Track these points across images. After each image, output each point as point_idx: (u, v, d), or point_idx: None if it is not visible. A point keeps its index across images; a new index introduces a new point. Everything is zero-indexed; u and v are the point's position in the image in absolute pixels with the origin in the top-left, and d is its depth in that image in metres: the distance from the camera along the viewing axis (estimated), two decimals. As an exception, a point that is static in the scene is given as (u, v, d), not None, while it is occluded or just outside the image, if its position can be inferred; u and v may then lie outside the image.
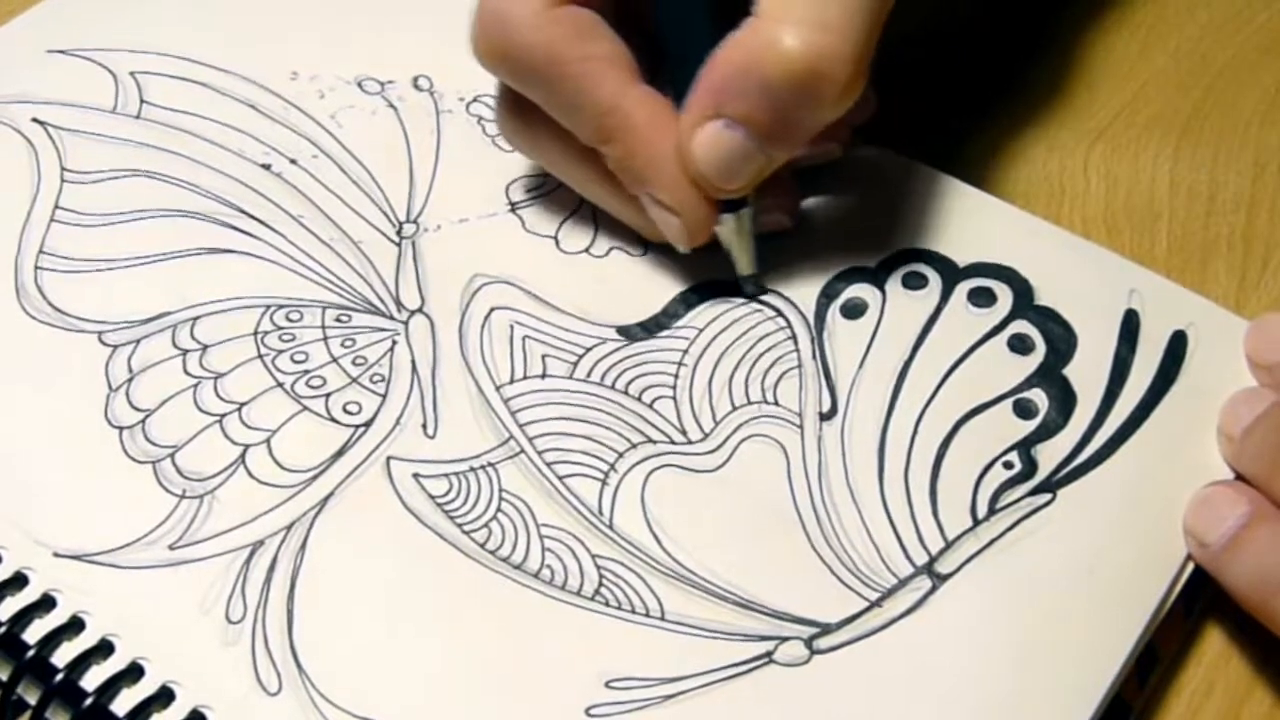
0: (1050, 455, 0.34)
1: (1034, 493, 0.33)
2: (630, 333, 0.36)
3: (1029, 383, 0.35)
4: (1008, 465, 0.34)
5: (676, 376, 0.35)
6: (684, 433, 0.34)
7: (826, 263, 0.37)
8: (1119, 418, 0.34)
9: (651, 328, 0.36)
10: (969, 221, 0.38)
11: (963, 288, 0.37)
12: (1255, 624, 0.32)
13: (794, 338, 0.36)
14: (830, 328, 0.36)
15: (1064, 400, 0.35)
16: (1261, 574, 0.31)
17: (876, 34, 0.33)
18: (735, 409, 0.35)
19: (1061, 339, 0.36)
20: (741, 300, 0.37)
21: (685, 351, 0.36)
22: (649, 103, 0.34)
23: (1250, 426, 0.33)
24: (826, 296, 0.37)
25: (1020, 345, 0.36)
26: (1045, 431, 0.34)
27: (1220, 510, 0.32)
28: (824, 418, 0.35)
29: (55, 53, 0.41)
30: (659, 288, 0.37)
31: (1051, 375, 0.35)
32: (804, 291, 0.37)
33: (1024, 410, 0.35)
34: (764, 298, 0.37)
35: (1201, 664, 0.33)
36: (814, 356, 0.36)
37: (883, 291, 0.37)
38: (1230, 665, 0.33)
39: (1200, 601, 0.33)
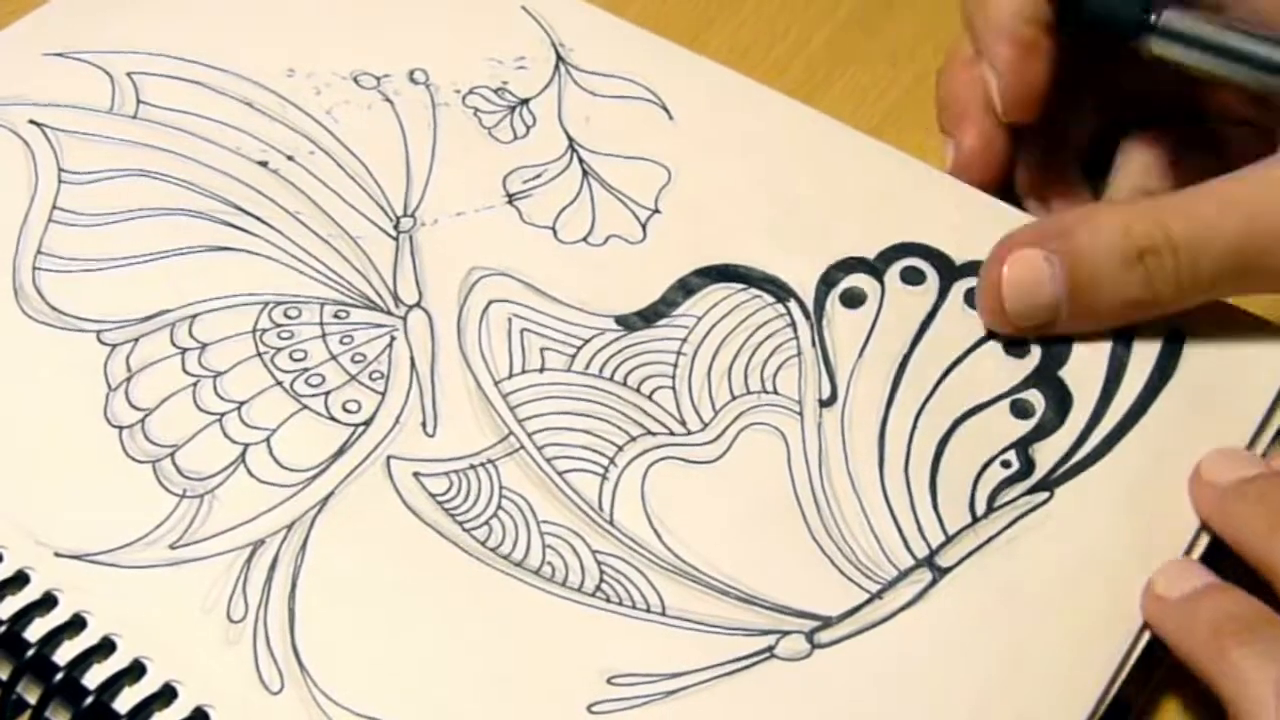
0: (1048, 454, 0.34)
1: (1031, 491, 0.33)
2: (629, 322, 0.36)
3: (1026, 383, 0.35)
4: (1005, 464, 0.34)
5: (675, 366, 0.35)
6: (683, 423, 0.34)
7: (826, 250, 0.37)
8: (1116, 414, 0.34)
9: (650, 316, 0.36)
10: (966, 219, 0.38)
11: (959, 287, 0.37)
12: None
13: (793, 325, 0.36)
14: (830, 316, 0.36)
15: (1060, 400, 0.35)
16: (1216, 625, 0.30)
17: (1214, 290, 0.35)
18: (735, 398, 0.35)
19: (1058, 340, 0.36)
20: (741, 285, 0.37)
21: (684, 340, 0.36)
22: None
23: (1240, 489, 0.32)
24: (826, 284, 0.37)
25: (1016, 348, 0.36)
26: (1042, 431, 0.34)
27: (1189, 576, 0.31)
28: (824, 404, 0.35)
29: (52, 55, 0.41)
30: (657, 274, 0.37)
31: (1048, 376, 0.35)
32: (803, 278, 0.37)
33: (1021, 410, 0.35)
34: (763, 285, 0.37)
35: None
36: (813, 344, 0.36)
37: (881, 284, 0.37)
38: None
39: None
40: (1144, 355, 0.35)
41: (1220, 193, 0.35)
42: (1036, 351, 0.36)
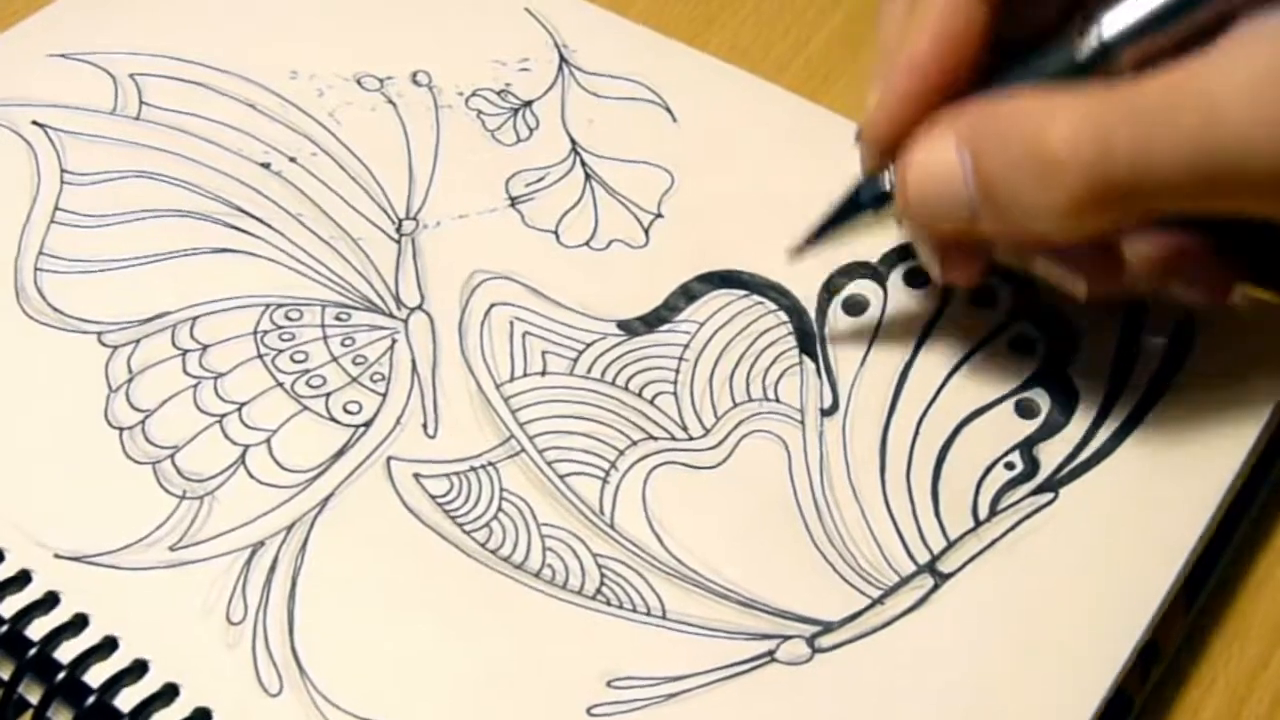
0: (1052, 454, 0.34)
1: (1036, 492, 0.33)
2: (631, 327, 0.36)
3: (1031, 382, 0.35)
4: (1009, 466, 0.33)
5: (677, 372, 0.35)
6: (685, 429, 0.34)
7: (827, 257, 0.37)
8: (1123, 412, 0.34)
9: (652, 321, 0.36)
10: None
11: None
12: (1255, 623, 0.32)
13: (795, 333, 0.36)
14: (832, 324, 0.36)
15: (1066, 398, 0.35)
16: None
17: (1165, 199, 0.29)
18: (736, 405, 0.35)
19: (1064, 337, 0.35)
20: (743, 293, 0.37)
21: (686, 346, 0.36)
22: (956, 7, 0.31)
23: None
24: (828, 291, 0.37)
25: (1022, 345, 0.35)
26: (1047, 431, 0.34)
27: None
28: (825, 413, 0.35)
29: (55, 57, 0.41)
30: (660, 280, 0.37)
31: (1054, 373, 0.35)
32: (806, 285, 0.37)
33: (1026, 410, 0.34)
34: (765, 292, 0.37)
35: (1203, 662, 0.33)
36: (815, 354, 0.36)
37: (884, 288, 0.37)
38: (1232, 663, 0.33)
39: (1202, 596, 0.33)
40: (1152, 348, 0.35)
41: (1173, 82, 0.28)
42: (1042, 348, 0.35)
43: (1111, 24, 0.30)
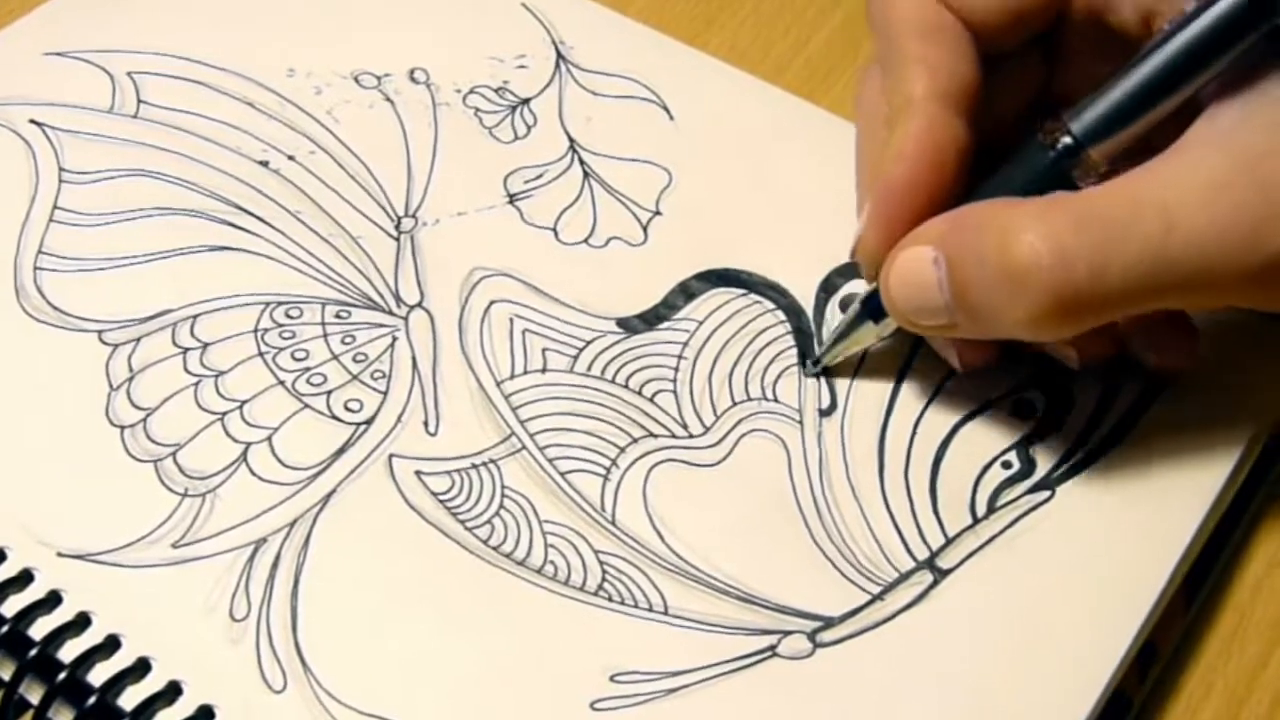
0: (1049, 453, 0.34)
1: (1032, 490, 0.33)
2: (630, 325, 0.36)
3: (1027, 382, 0.35)
4: (1006, 465, 0.34)
5: (677, 370, 0.35)
6: (685, 426, 0.34)
7: (826, 254, 0.37)
8: (1118, 412, 0.35)
9: (651, 319, 0.36)
10: None
11: None
12: (1254, 623, 0.33)
13: (792, 333, 0.36)
14: (829, 323, 0.36)
15: (1063, 398, 0.35)
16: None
17: (1127, 305, 0.30)
18: (735, 404, 0.35)
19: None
20: (742, 291, 0.37)
21: (685, 344, 0.36)
22: (930, 128, 0.32)
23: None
24: (825, 291, 0.37)
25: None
26: (1044, 430, 0.34)
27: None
28: (823, 414, 0.35)
29: (52, 55, 0.41)
30: (659, 278, 0.37)
31: (1050, 374, 0.35)
32: (803, 284, 0.37)
33: (1023, 409, 0.35)
34: (764, 290, 0.37)
35: (1201, 664, 0.33)
36: (812, 352, 0.36)
37: None
38: (1230, 666, 0.33)
39: (1200, 596, 0.33)
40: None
41: (1130, 191, 0.29)
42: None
43: (1079, 124, 0.31)
